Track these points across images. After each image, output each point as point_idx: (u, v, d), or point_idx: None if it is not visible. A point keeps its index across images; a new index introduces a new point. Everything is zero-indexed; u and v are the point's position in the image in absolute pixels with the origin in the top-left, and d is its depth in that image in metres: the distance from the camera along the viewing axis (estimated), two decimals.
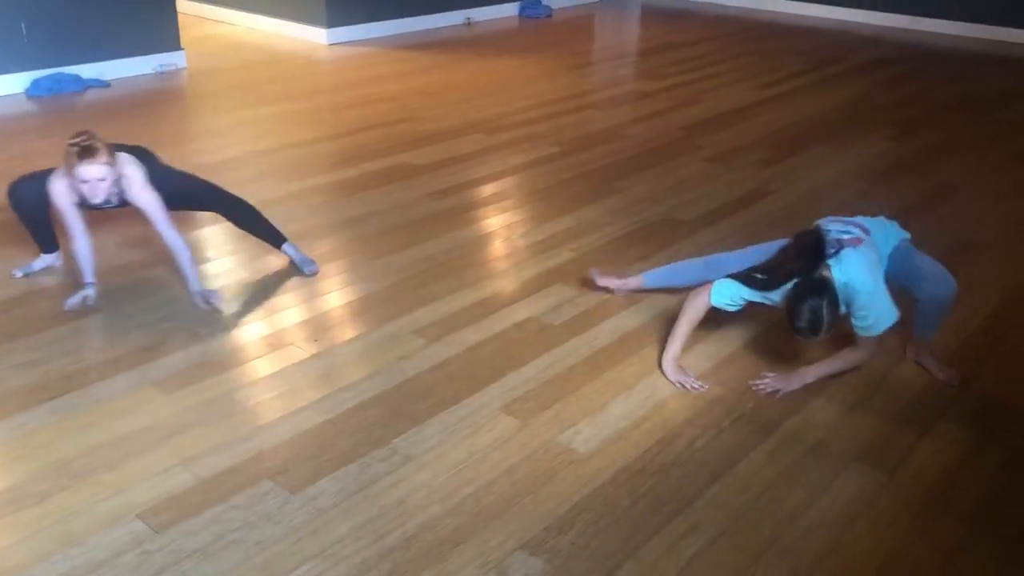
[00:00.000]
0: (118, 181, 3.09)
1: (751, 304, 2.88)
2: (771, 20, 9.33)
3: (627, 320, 3.28)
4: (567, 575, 2.11)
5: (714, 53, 7.76)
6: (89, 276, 3.23)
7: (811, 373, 2.90)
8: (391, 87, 6.36)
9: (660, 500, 2.36)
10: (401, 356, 3.01)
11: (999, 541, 2.28)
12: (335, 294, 3.43)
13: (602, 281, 3.43)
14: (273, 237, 3.61)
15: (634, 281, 3.40)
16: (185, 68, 6.65)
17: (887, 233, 2.95)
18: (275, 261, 3.65)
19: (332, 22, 7.62)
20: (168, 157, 4.78)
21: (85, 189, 3.01)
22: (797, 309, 2.65)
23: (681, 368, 2.93)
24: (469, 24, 8.64)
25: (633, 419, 2.70)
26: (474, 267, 3.67)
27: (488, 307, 3.34)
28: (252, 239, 3.82)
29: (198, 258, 3.68)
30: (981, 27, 8.57)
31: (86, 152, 2.95)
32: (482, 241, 3.96)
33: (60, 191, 3.10)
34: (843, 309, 2.74)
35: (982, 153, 5.32)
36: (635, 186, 4.55)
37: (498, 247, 3.90)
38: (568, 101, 6.14)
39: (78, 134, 2.99)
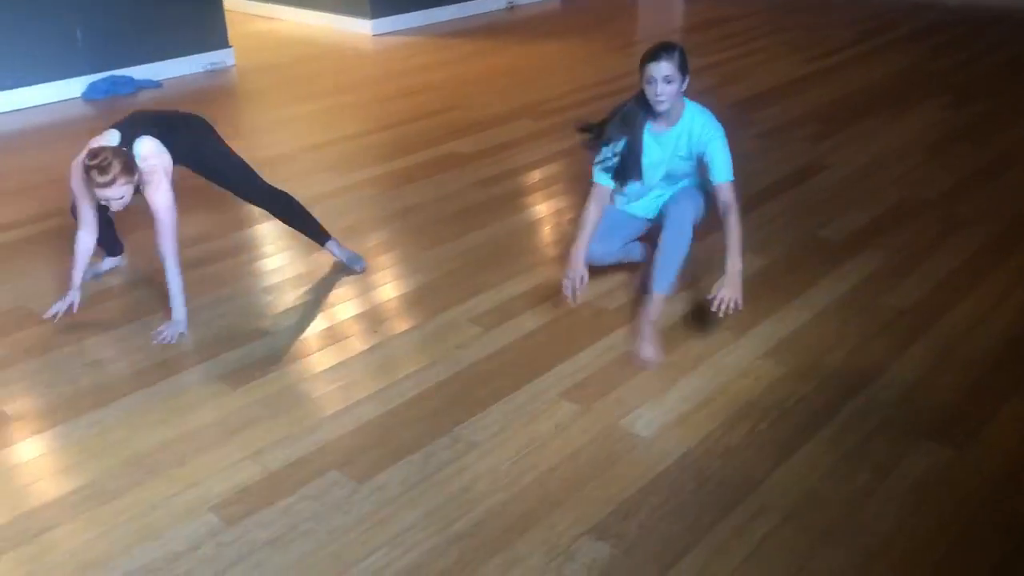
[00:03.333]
0: (140, 177, 3.00)
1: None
2: None
3: (683, 303, 3.26)
4: (635, 559, 2.12)
5: (759, 27, 7.63)
6: (78, 279, 3.15)
7: (734, 261, 2.79)
8: (437, 76, 6.38)
9: (726, 483, 2.36)
10: (458, 345, 3.03)
11: None
12: (390, 285, 3.47)
13: (652, 349, 2.91)
14: (317, 234, 3.56)
15: (654, 305, 2.96)
16: (234, 66, 6.74)
17: None
18: (330, 256, 3.69)
19: (376, 13, 7.66)
20: None
21: (104, 202, 2.96)
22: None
23: (578, 267, 2.93)
24: (511, 8, 8.61)
25: (695, 402, 2.69)
26: (526, 254, 3.68)
27: (542, 293, 3.35)
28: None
29: (254, 254, 3.75)
30: None
31: (101, 173, 2.85)
32: (533, 227, 3.96)
33: (79, 175, 2.99)
34: (689, 147, 2.95)
35: None
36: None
37: (549, 233, 3.90)
38: (613, 83, 6.09)
39: (94, 155, 2.87)
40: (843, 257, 3.55)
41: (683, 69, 2.86)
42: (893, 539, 2.17)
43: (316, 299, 3.37)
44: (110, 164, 2.86)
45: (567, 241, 3.75)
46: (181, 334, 3.09)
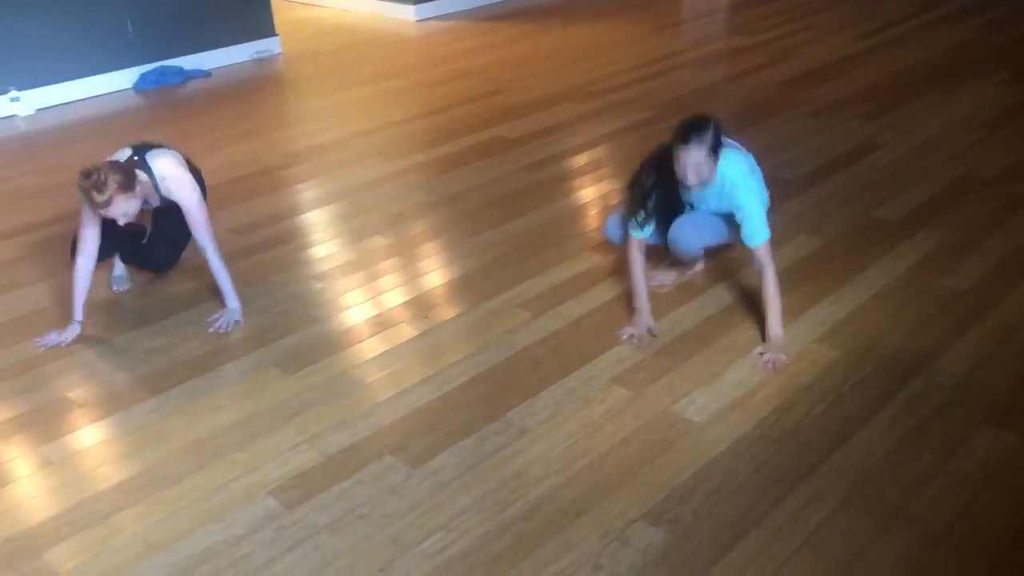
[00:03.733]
0: (153, 180, 2.99)
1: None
2: None
3: (734, 287, 3.22)
4: (690, 544, 2.12)
5: (808, 4, 7.48)
6: (80, 312, 3.07)
7: (775, 328, 2.79)
8: (481, 60, 6.37)
9: (781, 468, 2.33)
10: (508, 330, 3.03)
11: None
12: (438, 272, 3.48)
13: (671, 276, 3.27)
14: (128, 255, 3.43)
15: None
16: (280, 54, 6.79)
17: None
18: (379, 241, 3.72)
19: None
20: (270, 143, 4.94)
21: (110, 219, 2.90)
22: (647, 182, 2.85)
23: (647, 319, 2.94)
24: None
25: (749, 387, 2.67)
26: (574, 238, 3.67)
27: (591, 278, 3.34)
28: (356, 221, 3.92)
29: (303, 242, 3.79)
30: None
31: (98, 192, 2.77)
32: (580, 211, 3.95)
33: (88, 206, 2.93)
34: (722, 206, 2.86)
35: None
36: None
37: (596, 217, 3.88)
38: (659, 63, 6.04)
39: (87, 174, 2.78)
40: (899, 238, 3.49)
41: (715, 148, 2.70)
42: (954, 525, 2.13)
43: (365, 286, 3.40)
44: (105, 181, 2.76)
45: None
46: (236, 322, 3.13)
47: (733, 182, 2.78)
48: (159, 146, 3.12)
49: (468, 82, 5.86)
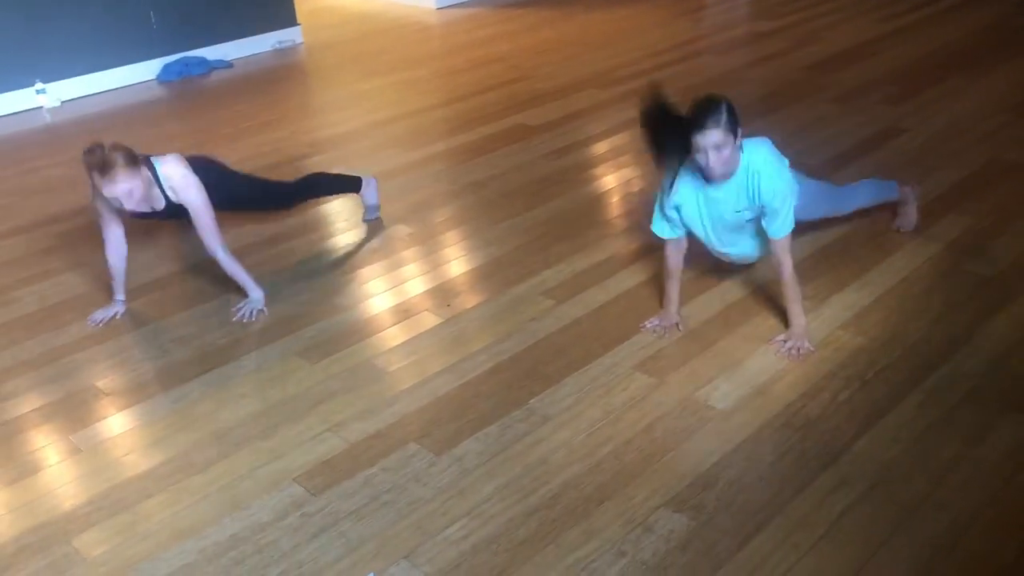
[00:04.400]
0: (159, 183, 2.98)
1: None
2: None
3: (757, 274, 3.20)
4: (714, 531, 2.11)
5: None
6: (120, 292, 3.21)
7: (797, 316, 2.76)
8: (502, 47, 6.35)
9: (806, 455, 2.32)
10: (531, 318, 3.04)
11: None
12: (461, 259, 3.49)
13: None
14: (352, 186, 3.75)
15: None
16: (302, 43, 6.81)
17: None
18: (402, 230, 3.73)
19: None
20: (293, 132, 4.96)
21: (121, 204, 2.87)
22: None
23: (673, 318, 2.92)
24: None
25: (772, 373, 2.65)
26: (596, 226, 3.66)
27: (613, 265, 3.33)
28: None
29: (328, 231, 3.80)
30: None
31: (102, 169, 2.78)
32: (602, 199, 3.94)
33: (99, 193, 2.94)
34: (749, 200, 2.71)
35: None
36: (757, 132, 4.39)
37: (618, 204, 3.87)
38: (681, 48, 5.99)
39: (90, 150, 2.80)
40: (926, 223, 3.44)
41: (733, 127, 2.57)
42: (981, 513, 2.11)
43: (389, 274, 3.41)
44: (110, 157, 2.77)
45: (636, 213, 3.73)
46: (260, 311, 3.16)
47: (757, 168, 2.68)
48: (162, 155, 3.08)
49: (489, 70, 5.85)
